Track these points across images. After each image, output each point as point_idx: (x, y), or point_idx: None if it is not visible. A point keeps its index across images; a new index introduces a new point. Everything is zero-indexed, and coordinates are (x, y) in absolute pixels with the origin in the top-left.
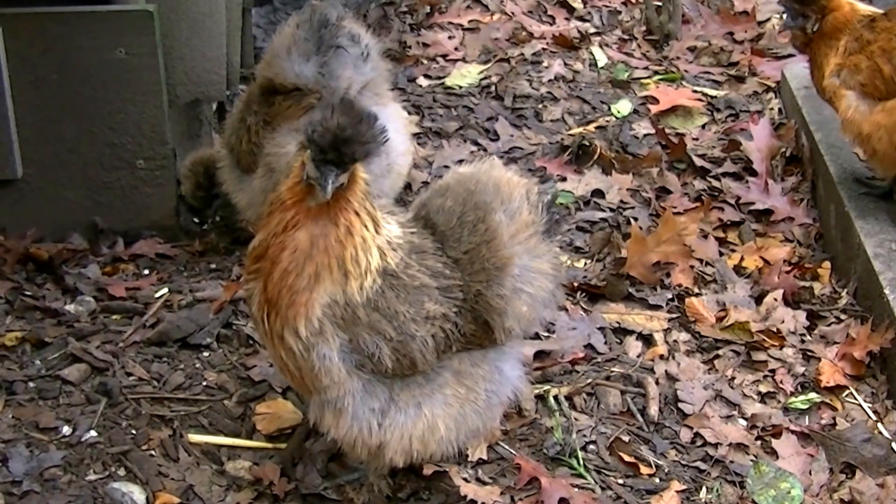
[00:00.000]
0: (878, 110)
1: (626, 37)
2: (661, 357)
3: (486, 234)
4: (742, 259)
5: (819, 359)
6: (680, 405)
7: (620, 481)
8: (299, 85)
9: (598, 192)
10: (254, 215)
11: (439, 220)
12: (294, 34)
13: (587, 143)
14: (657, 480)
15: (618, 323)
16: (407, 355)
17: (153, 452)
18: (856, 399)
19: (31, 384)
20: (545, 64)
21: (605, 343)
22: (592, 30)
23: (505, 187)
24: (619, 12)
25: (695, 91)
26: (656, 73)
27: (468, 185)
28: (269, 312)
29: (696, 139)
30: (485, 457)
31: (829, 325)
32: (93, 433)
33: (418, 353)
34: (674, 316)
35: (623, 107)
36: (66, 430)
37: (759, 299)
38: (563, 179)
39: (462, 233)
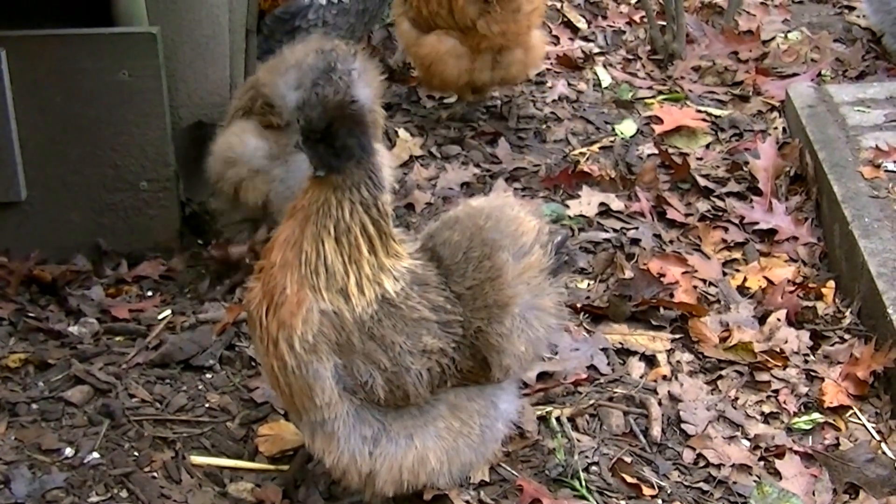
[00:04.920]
0: (419, 41)
1: (630, 57)
2: (664, 378)
3: (490, 272)
4: (745, 279)
5: (822, 379)
6: (683, 426)
7: (623, 503)
8: (278, 106)
9: (602, 213)
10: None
11: (445, 253)
12: (300, 63)
13: (589, 164)
14: (660, 502)
15: (621, 344)
16: (400, 387)
17: (156, 474)
18: (859, 419)
19: (34, 406)
20: (549, 84)
21: (608, 364)
22: (596, 50)
23: (515, 226)
24: (624, 32)
25: (699, 111)
26: (660, 92)
27: (477, 221)
28: (267, 310)
29: (701, 159)
30: (487, 478)
31: (832, 344)
32: (95, 455)
33: (412, 386)
34: (677, 336)
35: (627, 127)
36: (69, 451)
37: (762, 319)
38: (566, 201)
39: (467, 268)
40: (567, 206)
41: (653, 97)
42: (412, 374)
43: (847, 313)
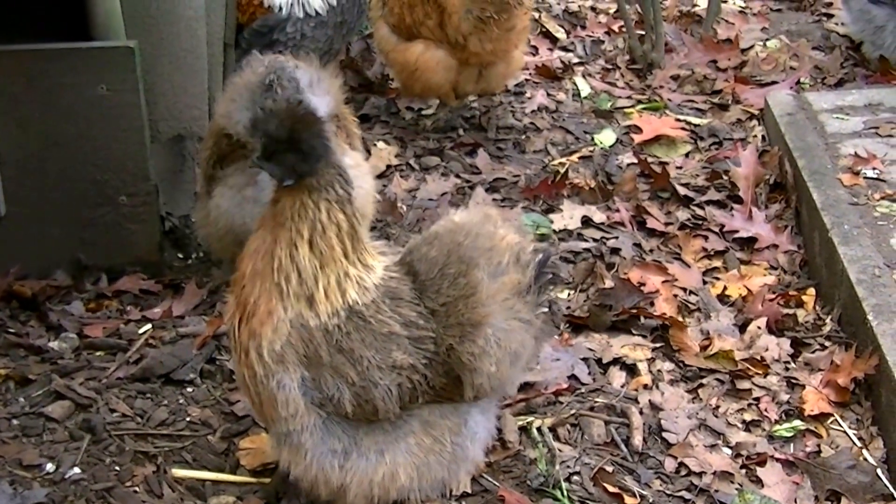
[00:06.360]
0: (400, 47)
1: (609, 66)
2: (645, 387)
3: (465, 289)
4: (726, 287)
5: (803, 386)
6: (664, 435)
7: None
8: (236, 133)
9: (582, 223)
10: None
11: (421, 268)
12: (248, 84)
13: (568, 174)
14: None
15: (601, 353)
16: (369, 402)
17: (137, 489)
18: (841, 426)
19: (15, 421)
20: (528, 95)
21: (589, 374)
22: (575, 60)
23: (494, 243)
24: (603, 42)
25: (678, 120)
26: (639, 102)
27: (456, 237)
28: (240, 321)
29: (680, 168)
30: (468, 490)
31: (813, 352)
32: (76, 470)
33: (381, 402)
34: (657, 345)
35: (606, 137)
36: (50, 467)
37: (742, 327)
38: (547, 212)
39: (442, 284)
40: (546, 217)
41: (632, 106)
42: (380, 390)
43: (827, 320)
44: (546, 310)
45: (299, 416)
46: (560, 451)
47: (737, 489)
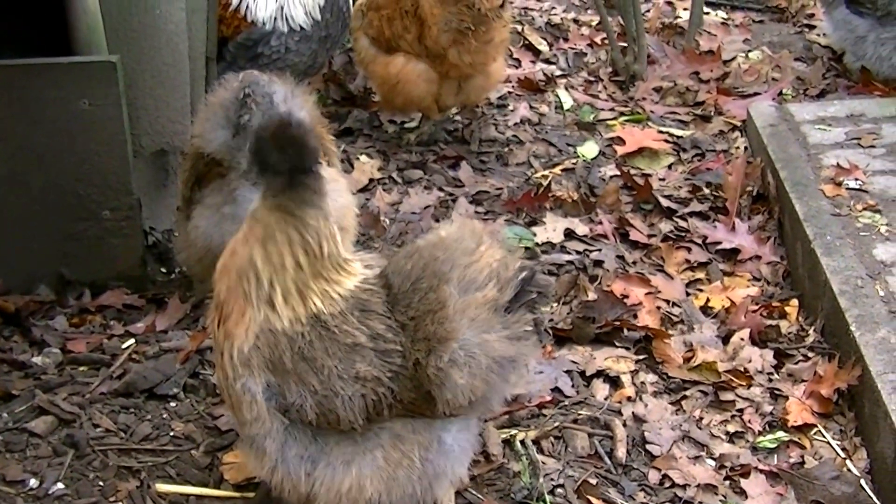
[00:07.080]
0: (380, 60)
1: (591, 78)
2: (629, 399)
3: (433, 304)
4: (709, 299)
5: (787, 397)
6: (648, 447)
7: None
8: (212, 151)
9: (565, 235)
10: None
11: (395, 281)
12: (223, 102)
13: (551, 186)
14: None
15: (585, 366)
16: (332, 411)
17: None
18: (824, 437)
19: None
20: (511, 107)
21: (573, 386)
22: (558, 72)
23: (472, 260)
24: (585, 54)
25: (661, 131)
26: (622, 114)
27: (435, 252)
28: (218, 323)
29: (663, 180)
30: (452, 503)
31: (796, 363)
32: (60, 485)
33: (342, 412)
34: (641, 357)
35: (589, 149)
36: (34, 482)
37: (726, 339)
38: (529, 225)
39: (413, 298)
40: (529, 229)
41: (614, 118)
42: (342, 400)
43: (810, 331)
44: (531, 327)
45: (261, 420)
46: (543, 463)
47: (720, 501)
